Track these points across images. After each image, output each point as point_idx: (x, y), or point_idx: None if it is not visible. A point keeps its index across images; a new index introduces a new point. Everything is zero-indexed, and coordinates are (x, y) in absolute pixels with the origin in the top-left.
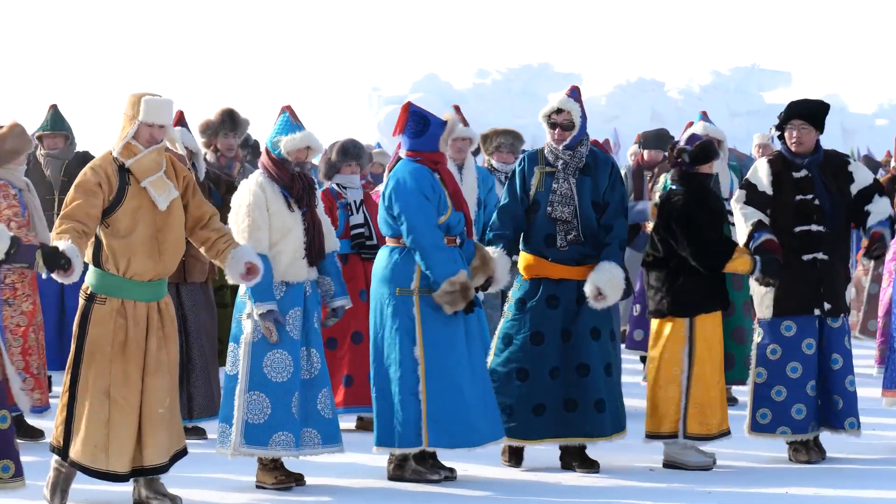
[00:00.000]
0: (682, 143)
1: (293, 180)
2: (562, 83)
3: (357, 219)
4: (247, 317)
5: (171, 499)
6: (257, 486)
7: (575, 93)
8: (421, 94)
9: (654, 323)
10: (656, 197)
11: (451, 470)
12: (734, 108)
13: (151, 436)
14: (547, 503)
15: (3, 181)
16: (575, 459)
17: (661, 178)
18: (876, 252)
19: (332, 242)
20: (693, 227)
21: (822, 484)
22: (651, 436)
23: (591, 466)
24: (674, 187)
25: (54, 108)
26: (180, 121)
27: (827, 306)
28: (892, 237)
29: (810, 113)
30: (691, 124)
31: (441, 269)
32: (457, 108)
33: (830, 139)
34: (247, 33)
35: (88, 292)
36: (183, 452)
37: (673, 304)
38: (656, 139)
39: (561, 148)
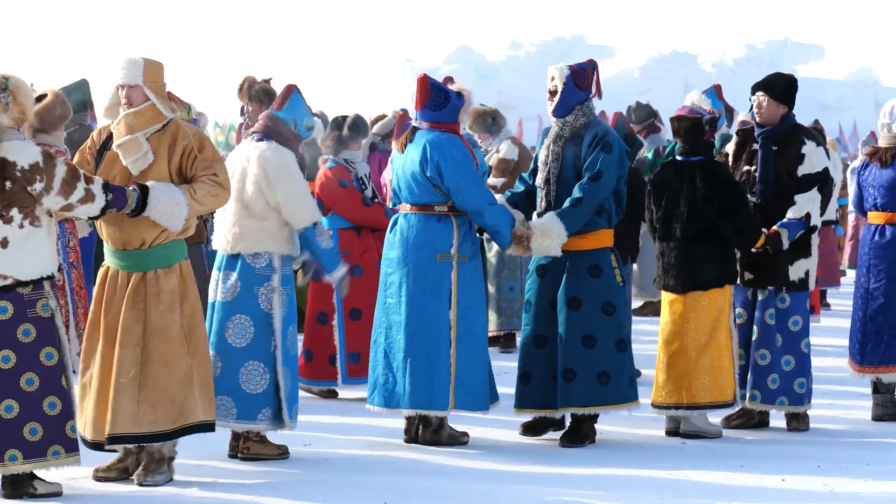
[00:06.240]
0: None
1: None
2: (595, 56)
3: (369, 193)
4: (273, 291)
5: (171, 473)
6: (247, 458)
7: (582, 64)
8: (454, 66)
9: (697, 294)
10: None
11: (465, 433)
12: None
13: (113, 405)
14: (574, 471)
15: (55, 147)
16: (560, 430)
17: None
18: (768, 248)
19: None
20: (744, 200)
21: (849, 457)
22: (713, 405)
23: (574, 441)
24: (692, 158)
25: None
26: None
27: (748, 276)
28: (796, 236)
29: (768, 84)
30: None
31: (507, 221)
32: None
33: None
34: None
35: None
36: (194, 428)
37: (728, 273)
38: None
39: (552, 115)
